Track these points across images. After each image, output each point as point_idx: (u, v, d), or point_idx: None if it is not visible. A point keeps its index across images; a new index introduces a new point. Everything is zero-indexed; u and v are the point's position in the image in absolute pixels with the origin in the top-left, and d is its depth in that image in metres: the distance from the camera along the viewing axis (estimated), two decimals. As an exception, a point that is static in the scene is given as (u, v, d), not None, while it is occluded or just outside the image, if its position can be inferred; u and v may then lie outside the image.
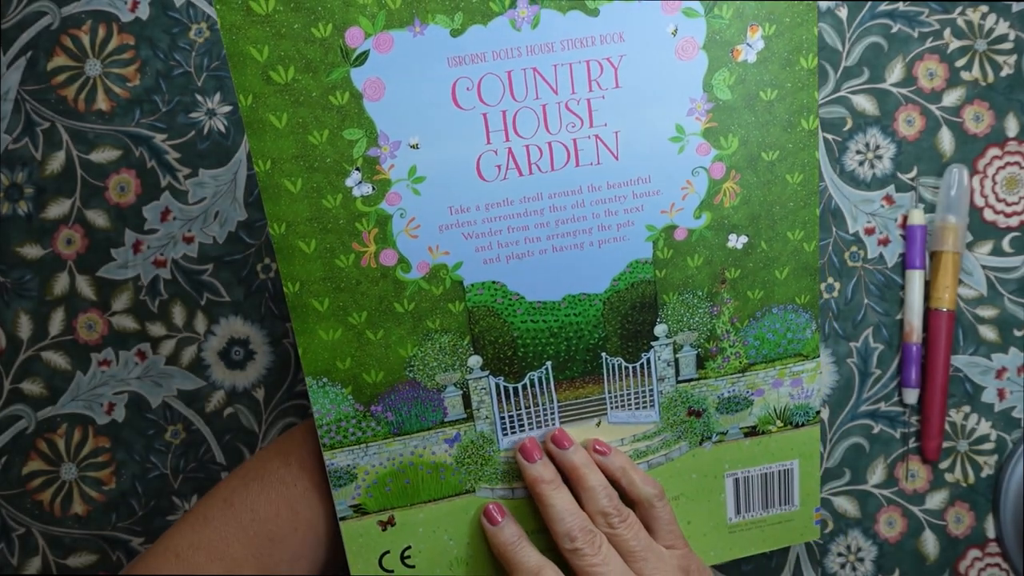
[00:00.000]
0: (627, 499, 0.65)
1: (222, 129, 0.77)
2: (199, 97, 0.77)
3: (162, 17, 0.76)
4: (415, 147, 0.58)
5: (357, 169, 0.58)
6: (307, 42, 0.55)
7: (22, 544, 0.79)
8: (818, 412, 0.70)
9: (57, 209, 0.77)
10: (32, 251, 0.77)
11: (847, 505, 0.83)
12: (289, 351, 0.79)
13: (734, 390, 0.68)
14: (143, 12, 0.75)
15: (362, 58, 0.56)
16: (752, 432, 0.69)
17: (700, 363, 0.67)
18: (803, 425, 0.70)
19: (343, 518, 0.64)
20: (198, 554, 0.60)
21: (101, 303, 0.77)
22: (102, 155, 0.76)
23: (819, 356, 0.69)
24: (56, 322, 0.77)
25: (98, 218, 0.77)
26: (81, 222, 0.77)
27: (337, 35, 0.56)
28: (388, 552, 0.65)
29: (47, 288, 0.77)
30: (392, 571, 0.65)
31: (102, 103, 0.76)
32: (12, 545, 0.79)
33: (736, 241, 0.64)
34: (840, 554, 0.84)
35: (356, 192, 0.58)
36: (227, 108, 0.77)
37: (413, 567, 0.66)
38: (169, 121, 0.76)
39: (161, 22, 0.76)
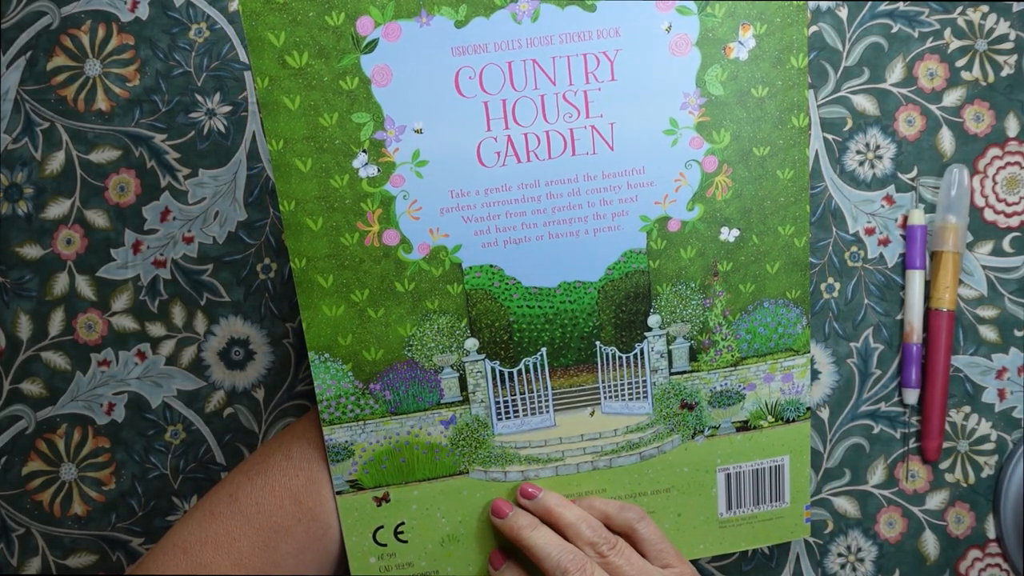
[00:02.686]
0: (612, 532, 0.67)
1: (222, 129, 0.77)
2: (199, 97, 0.77)
3: (162, 17, 0.76)
4: (419, 132, 0.61)
5: (364, 151, 0.61)
6: (321, 29, 0.58)
7: (22, 544, 0.79)
8: (808, 408, 0.70)
9: (57, 209, 0.77)
10: (32, 251, 0.77)
11: (847, 505, 0.83)
12: (289, 351, 0.79)
13: (726, 384, 0.69)
14: (143, 12, 0.76)
15: (371, 46, 0.59)
16: (744, 427, 0.70)
17: (693, 356, 0.68)
18: (794, 421, 0.70)
19: (340, 492, 0.66)
20: (205, 549, 0.62)
21: (101, 303, 0.78)
22: (102, 155, 0.76)
23: (810, 351, 0.69)
24: (56, 322, 0.78)
25: (98, 218, 0.77)
26: (81, 222, 0.77)
27: (349, 23, 0.59)
28: (382, 527, 0.67)
29: (47, 288, 0.77)
30: (385, 545, 0.67)
31: (102, 103, 0.76)
32: (12, 545, 0.79)
33: (728, 234, 0.65)
34: (840, 554, 0.84)
35: (362, 173, 0.61)
36: (227, 108, 0.77)
37: (406, 542, 0.67)
38: (169, 121, 0.77)
39: (161, 22, 0.76)
